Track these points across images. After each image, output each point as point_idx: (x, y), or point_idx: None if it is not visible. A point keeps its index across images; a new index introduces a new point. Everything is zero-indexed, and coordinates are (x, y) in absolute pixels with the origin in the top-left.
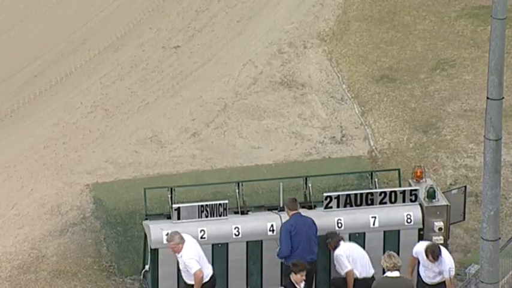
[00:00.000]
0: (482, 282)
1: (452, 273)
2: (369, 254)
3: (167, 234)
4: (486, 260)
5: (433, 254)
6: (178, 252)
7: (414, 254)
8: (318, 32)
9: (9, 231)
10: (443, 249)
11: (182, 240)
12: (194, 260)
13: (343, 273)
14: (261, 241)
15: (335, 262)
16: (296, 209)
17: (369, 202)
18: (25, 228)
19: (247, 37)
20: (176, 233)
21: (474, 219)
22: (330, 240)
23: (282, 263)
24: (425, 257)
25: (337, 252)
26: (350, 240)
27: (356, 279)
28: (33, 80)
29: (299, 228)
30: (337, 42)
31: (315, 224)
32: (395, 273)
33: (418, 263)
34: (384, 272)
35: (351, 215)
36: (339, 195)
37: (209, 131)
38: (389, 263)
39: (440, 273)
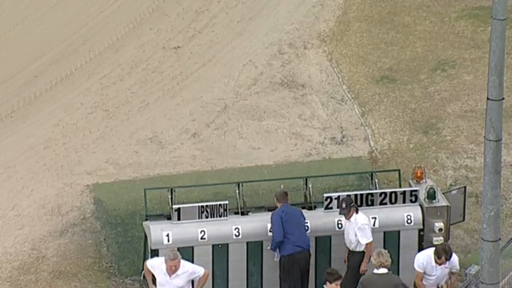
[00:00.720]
0: (482, 282)
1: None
2: None
3: (172, 252)
4: (486, 261)
5: (447, 253)
6: (179, 268)
7: (419, 268)
8: (318, 33)
9: (10, 232)
10: None
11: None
12: (195, 264)
13: (363, 243)
14: (261, 242)
15: (357, 231)
16: (286, 202)
17: (369, 203)
18: (25, 228)
19: (248, 38)
20: (174, 249)
21: (474, 220)
22: (353, 205)
23: (280, 262)
24: (434, 262)
25: (363, 220)
26: None
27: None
28: (33, 80)
29: (290, 215)
30: (337, 42)
31: (303, 215)
32: (383, 270)
33: None
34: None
35: None
36: (339, 196)
37: (209, 132)
38: (377, 261)
39: (444, 275)
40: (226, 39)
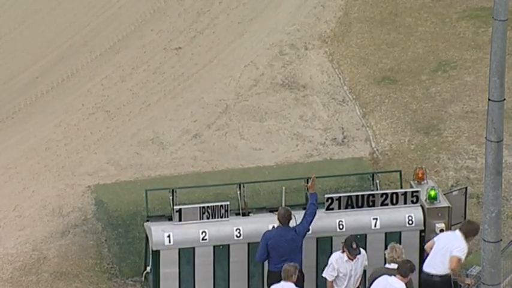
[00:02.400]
0: (483, 283)
1: None
2: (370, 256)
3: None
4: (488, 262)
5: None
6: None
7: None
8: (319, 34)
9: (11, 233)
10: None
11: None
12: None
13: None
14: None
15: (365, 260)
16: (285, 224)
17: (370, 203)
18: (26, 229)
19: (249, 39)
20: None
21: (476, 220)
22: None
23: (268, 270)
24: (466, 241)
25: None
26: None
27: None
28: (34, 81)
29: (277, 243)
30: (338, 43)
31: (299, 235)
32: (394, 266)
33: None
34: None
35: (352, 216)
36: (340, 197)
37: (210, 133)
38: (390, 255)
39: None
40: (227, 40)
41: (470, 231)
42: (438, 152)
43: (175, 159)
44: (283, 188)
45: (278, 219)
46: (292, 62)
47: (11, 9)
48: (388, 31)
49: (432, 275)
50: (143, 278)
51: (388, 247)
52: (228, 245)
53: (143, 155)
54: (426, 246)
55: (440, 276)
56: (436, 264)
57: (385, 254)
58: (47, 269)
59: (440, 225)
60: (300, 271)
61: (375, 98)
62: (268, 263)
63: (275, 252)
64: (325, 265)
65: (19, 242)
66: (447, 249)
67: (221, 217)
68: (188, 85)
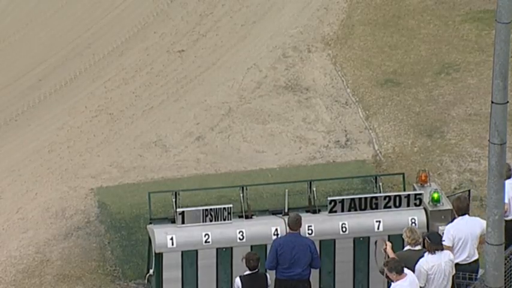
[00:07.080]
0: (487, 286)
1: None
2: (373, 258)
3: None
4: (491, 264)
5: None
6: None
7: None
8: (322, 36)
9: (14, 235)
10: None
11: None
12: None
13: None
14: (266, 245)
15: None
16: (295, 230)
17: (374, 206)
18: (29, 232)
19: (252, 41)
20: None
21: None
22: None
23: (276, 278)
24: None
25: None
26: (354, 245)
27: None
28: (37, 84)
29: (287, 249)
30: (341, 46)
31: (311, 247)
32: (418, 247)
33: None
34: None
35: (356, 219)
36: (343, 200)
37: (213, 135)
38: (411, 238)
39: None
40: (230, 42)
41: None
42: (441, 155)
43: (178, 161)
44: (286, 190)
45: (289, 227)
46: (295, 64)
47: (14, 12)
48: (391, 34)
49: None
50: (146, 281)
51: (407, 230)
52: (231, 248)
53: (146, 158)
54: None
55: None
56: None
57: (404, 239)
58: (50, 272)
59: (443, 227)
60: (305, 281)
61: (378, 100)
62: (276, 270)
63: (283, 259)
64: (328, 268)
65: (22, 245)
66: None
67: (224, 220)
68: (191, 88)
